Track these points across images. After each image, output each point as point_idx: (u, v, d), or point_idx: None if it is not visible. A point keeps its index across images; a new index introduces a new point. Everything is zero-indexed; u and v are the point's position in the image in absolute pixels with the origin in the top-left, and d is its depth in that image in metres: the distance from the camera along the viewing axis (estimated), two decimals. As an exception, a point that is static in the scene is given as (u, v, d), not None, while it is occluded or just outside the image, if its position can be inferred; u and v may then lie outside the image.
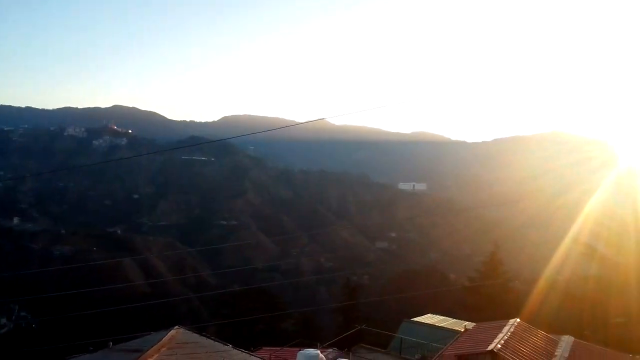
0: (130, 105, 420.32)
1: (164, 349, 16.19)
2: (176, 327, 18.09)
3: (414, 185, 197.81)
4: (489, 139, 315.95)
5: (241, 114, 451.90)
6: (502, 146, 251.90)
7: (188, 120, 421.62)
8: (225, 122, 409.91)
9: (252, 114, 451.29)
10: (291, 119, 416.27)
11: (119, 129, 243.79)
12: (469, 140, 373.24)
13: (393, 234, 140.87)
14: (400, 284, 66.90)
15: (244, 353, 17.60)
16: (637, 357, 23.36)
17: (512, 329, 20.60)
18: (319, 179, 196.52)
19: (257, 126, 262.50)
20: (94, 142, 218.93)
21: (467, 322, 25.38)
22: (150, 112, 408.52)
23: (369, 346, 25.60)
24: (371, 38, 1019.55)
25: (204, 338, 18.28)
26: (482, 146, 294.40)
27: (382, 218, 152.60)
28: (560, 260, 38.91)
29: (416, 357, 23.49)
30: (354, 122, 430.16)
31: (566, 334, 22.83)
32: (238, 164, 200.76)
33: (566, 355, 20.12)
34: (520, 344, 19.88)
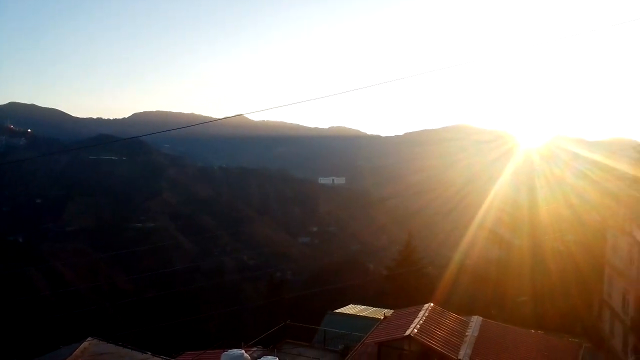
0: (29, 102, 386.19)
1: (76, 362, 15.37)
2: (89, 338, 17.21)
3: (333, 180, 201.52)
4: (401, 132, 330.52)
5: (154, 110, 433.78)
6: (413, 139, 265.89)
7: (95, 117, 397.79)
8: (136, 119, 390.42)
9: (165, 110, 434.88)
10: (208, 115, 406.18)
11: (16, 128, 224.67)
12: (383, 134, 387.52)
13: (315, 229, 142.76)
14: (323, 277, 68.15)
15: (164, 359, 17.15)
16: (538, 331, 25.76)
17: (426, 314, 21.88)
18: (238, 176, 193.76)
19: (171, 123, 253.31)
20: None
21: (387, 310, 26.50)
22: (51, 109, 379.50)
23: (294, 341, 25.87)
24: (287, 33, 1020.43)
25: (120, 348, 17.58)
26: (395, 139, 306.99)
27: (304, 213, 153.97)
28: (467, 246, 41.80)
29: (340, 347, 24.12)
30: (272, 117, 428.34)
31: (475, 314, 24.63)
32: (152, 162, 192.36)
33: (476, 334, 21.73)
34: (435, 327, 21.18)
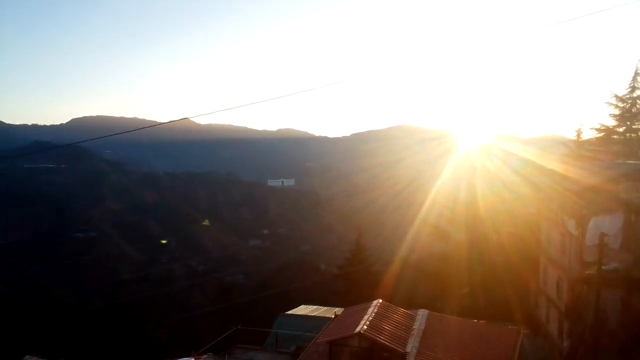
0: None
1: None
2: (27, 356, 16.51)
3: (282, 181, 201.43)
4: (348, 133, 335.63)
5: (93, 115, 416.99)
6: (360, 140, 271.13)
7: (30, 124, 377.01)
8: (75, 124, 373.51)
9: (106, 114, 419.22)
10: (152, 119, 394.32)
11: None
12: (331, 135, 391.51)
13: (265, 231, 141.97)
14: (275, 280, 68.03)
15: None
16: (480, 321, 27.01)
17: (375, 310, 22.46)
18: (186, 181, 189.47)
19: (113, 128, 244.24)
20: None
21: (338, 309, 26.96)
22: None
23: (246, 346, 25.81)
24: (233, 36, 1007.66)
25: (59, 364, 16.96)
26: (342, 141, 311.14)
27: (254, 215, 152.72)
28: (413, 242, 43.21)
29: (291, 349, 24.31)
30: (219, 120, 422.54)
31: (422, 307, 25.52)
32: (94, 169, 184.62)
33: (422, 327, 22.53)
34: (383, 322, 21.79)
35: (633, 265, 23.89)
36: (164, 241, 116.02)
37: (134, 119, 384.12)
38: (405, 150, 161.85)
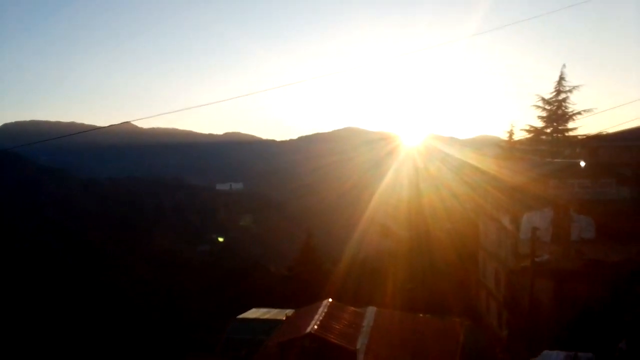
0: None
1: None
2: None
3: (231, 185, 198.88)
4: (295, 136, 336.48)
5: (27, 119, 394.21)
6: (307, 142, 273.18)
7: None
8: (6, 129, 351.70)
9: (41, 119, 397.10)
10: (91, 123, 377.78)
11: None
12: (278, 138, 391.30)
13: (214, 236, 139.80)
14: (226, 284, 67.30)
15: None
16: (426, 315, 28.20)
17: (325, 310, 23.06)
18: (130, 186, 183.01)
19: (48, 133, 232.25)
20: None
21: (289, 310, 27.33)
22: None
23: (197, 353, 25.71)
24: (175, 38, 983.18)
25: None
26: (289, 143, 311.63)
27: (202, 220, 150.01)
28: (361, 241, 44.39)
29: (242, 353, 24.44)
30: (163, 124, 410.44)
31: (370, 304, 26.37)
32: (29, 176, 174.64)
33: (371, 324, 23.32)
34: (334, 321, 22.41)
35: (563, 257, 25.80)
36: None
37: (71, 124, 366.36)
38: (352, 151, 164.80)
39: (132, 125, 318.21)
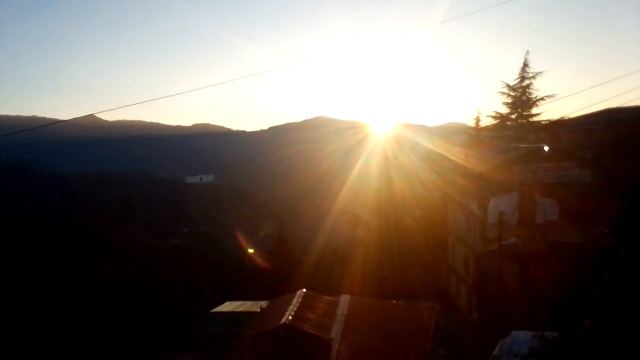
0: None
1: None
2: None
3: (201, 178, 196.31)
4: (265, 127, 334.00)
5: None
6: (278, 132, 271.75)
7: None
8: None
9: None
10: (53, 117, 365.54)
11: None
12: (249, 129, 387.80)
13: (185, 229, 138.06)
14: (199, 278, 66.70)
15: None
16: (398, 301, 28.66)
17: (299, 300, 23.08)
18: (97, 181, 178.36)
19: (8, 127, 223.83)
20: None
21: (263, 302, 27.32)
22: None
23: (171, 350, 25.45)
24: (140, 27, 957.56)
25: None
26: (260, 134, 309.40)
27: (173, 214, 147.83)
28: (333, 230, 44.70)
29: (217, 347, 24.33)
30: (129, 117, 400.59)
31: (344, 293, 26.60)
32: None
33: (345, 312, 23.50)
34: (308, 311, 22.48)
35: (528, 239, 26.61)
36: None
37: (32, 117, 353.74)
38: (322, 140, 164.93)
39: (97, 118, 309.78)
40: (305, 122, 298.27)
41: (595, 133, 34.36)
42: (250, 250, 40.42)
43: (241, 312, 29.13)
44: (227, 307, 31.35)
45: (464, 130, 56.69)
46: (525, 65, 50.64)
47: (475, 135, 51.46)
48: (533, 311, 21.31)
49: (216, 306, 31.71)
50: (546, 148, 30.65)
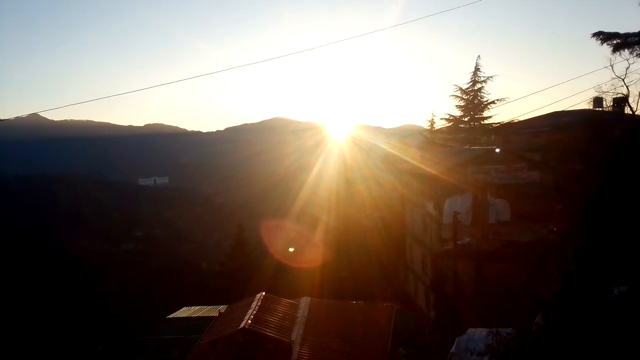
0: None
1: None
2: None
3: (155, 180, 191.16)
4: (222, 127, 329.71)
5: None
6: (235, 133, 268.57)
7: None
8: None
9: None
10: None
11: None
12: (204, 130, 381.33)
13: (138, 233, 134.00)
14: (154, 284, 64.96)
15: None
16: (359, 302, 28.88)
17: (259, 303, 22.84)
18: (43, 184, 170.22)
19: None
20: None
21: (222, 306, 26.86)
22: None
23: (125, 357, 24.62)
24: (89, 24, 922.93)
25: None
26: (216, 135, 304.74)
27: (124, 218, 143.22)
28: (293, 231, 44.52)
29: (175, 354, 23.74)
30: (76, 116, 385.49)
31: (304, 295, 26.54)
32: None
33: (306, 314, 23.44)
34: (268, 314, 22.27)
35: (482, 239, 27.42)
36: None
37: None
38: (281, 142, 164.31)
39: (41, 117, 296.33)
40: (262, 123, 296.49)
41: (543, 135, 35.89)
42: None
43: (198, 318, 28.57)
44: (184, 312, 30.68)
45: (419, 132, 58.06)
46: (477, 69, 52.50)
47: (431, 137, 52.76)
48: (488, 308, 21.92)
49: (172, 312, 30.96)
50: (497, 150, 31.69)
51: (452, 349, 18.19)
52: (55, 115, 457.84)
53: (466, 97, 52.88)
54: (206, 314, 28.71)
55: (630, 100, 28.90)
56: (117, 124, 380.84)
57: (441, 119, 53.98)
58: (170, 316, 29.84)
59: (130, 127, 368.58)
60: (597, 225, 19.86)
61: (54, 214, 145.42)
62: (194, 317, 29.00)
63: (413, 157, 35.57)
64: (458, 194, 28.67)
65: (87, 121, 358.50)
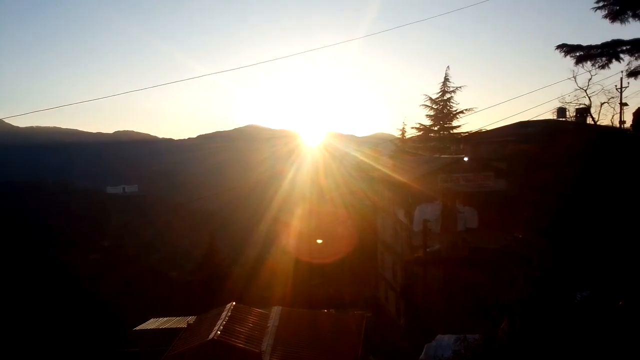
0: None
1: None
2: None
3: (124, 188, 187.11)
4: (193, 135, 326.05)
5: None
6: (206, 141, 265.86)
7: None
8: None
9: None
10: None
11: None
12: (176, 137, 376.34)
13: (106, 243, 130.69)
14: (121, 295, 63.36)
15: None
16: (330, 310, 28.85)
17: (229, 314, 22.57)
18: (6, 193, 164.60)
19: None
20: None
21: (191, 317, 26.38)
22: None
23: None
24: (58, 28, 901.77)
25: None
26: (188, 142, 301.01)
27: (92, 227, 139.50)
28: (265, 240, 44.28)
29: (142, 367, 23.18)
30: (42, 123, 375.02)
31: (276, 304, 26.36)
32: None
33: (276, 324, 23.27)
34: (238, 325, 22.01)
35: (451, 246, 27.82)
36: None
37: None
38: (254, 149, 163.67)
39: (5, 123, 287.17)
40: (235, 130, 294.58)
41: (509, 145, 36.75)
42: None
43: (166, 329, 27.95)
44: (152, 324, 29.98)
45: (390, 140, 58.64)
46: (446, 79, 53.48)
47: (402, 146, 53.41)
48: (456, 315, 22.20)
49: (140, 324, 30.24)
50: (466, 159, 32.30)
51: (421, 356, 18.33)
52: (21, 121, 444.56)
53: (436, 107, 53.78)
54: (174, 326, 28.13)
55: (592, 110, 29.94)
56: (86, 130, 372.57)
57: (412, 127, 54.78)
58: (138, 328, 29.13)
59: (99, 134, 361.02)
60: (561, 233, 20.43)
61: (18, 222, 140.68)
62: (161, 328, 28.38)
63: (384, 165, 35.92)
64: (428, 202, 29.05)
65: (54, 128, 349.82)
